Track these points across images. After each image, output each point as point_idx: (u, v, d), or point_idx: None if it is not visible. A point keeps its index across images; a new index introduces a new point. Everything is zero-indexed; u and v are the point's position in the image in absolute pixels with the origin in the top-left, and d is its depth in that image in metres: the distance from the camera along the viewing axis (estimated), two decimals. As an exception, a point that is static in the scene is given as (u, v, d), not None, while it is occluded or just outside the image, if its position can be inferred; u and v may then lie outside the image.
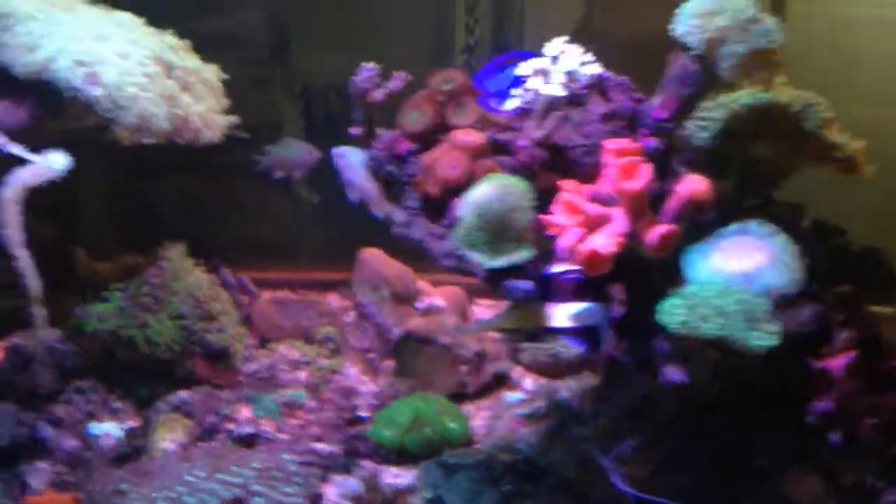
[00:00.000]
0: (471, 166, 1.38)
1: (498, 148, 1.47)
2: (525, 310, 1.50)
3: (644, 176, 1.35)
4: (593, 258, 1.35)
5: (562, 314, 1.47)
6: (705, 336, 1.35)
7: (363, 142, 1.50)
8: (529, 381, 2.18)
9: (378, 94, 1.44)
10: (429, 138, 1.46)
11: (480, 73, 1.60)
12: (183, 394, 1.94)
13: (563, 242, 1.39)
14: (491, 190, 1.32)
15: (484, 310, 2.48)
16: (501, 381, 2.16)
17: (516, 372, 2.20)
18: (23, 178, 1.39)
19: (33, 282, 1.53)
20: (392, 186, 1.48)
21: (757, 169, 1.61)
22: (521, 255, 1.34)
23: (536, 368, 2.18)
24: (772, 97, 1.56)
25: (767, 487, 1.49)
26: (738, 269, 1.46)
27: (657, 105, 1.51)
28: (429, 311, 2.12)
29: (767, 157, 1.60)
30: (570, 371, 2.15)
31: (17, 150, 1.39)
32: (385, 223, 1.48)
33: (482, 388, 2.12)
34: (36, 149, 1.65)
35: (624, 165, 1.36)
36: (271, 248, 2.61)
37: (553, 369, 2.15)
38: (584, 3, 2.49)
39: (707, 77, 1.48)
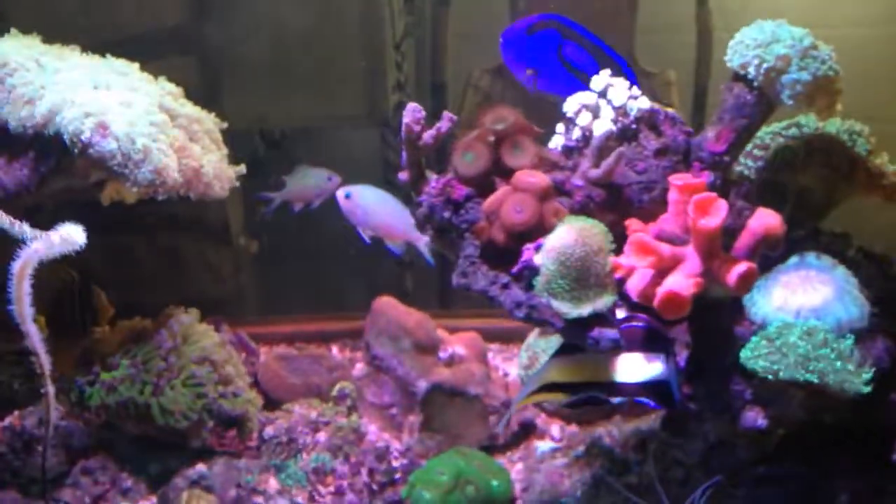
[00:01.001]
0: (538, 209, 1.29)
1: (554, 188, 1.39)
2: (581, 363, 1.39)
3: (720, 212, 1.28)
4: (673, 300, 1.27)
5: (626, 367, 1.36)
6: (795, 380, 1.29)
7: (413, 187, 1.40)
8: (556, 428, 2.09)
9: (428, 137, 1.35)
10: (484, 182, 1.38)
11: (507, 41, 1.53)
12: (200, 466, 1.78)
13: (635, 285, 1.32)
14: (571, 234, 1.23)
15: (496, 355, 2.40)
16: (529, 430, 2.06)
17: (541, 419, 2.11)
18: (37, 250, 1.25)
19: (44, 358, 1.38)
20: (446, 234, 1.39)
21: (806, 199, 1.57)
22: (605, 302, 1.26)
23: (562, 414, 2.10)
24: (821, 126, 1.53)
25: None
26: (807, 304, 1.42)
27: (711, 137, 1.45)
28: (453, 361, 2.01)
29: (817, 187, 1.57)
30: (598, 415, 2.08)
31: (26, 230, 1.26)
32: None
33: (512, 440, 2.02)
34: (35, 212, 1.52)
35: (699, 202, 1.29)
36: (214, 305, 2.49)
37: (581, 414, 2.07)
38: None
39: (763, 107, 1.43)
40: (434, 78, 2.58)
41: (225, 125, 1.89)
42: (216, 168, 1.71)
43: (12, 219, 1.24)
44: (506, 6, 2.46)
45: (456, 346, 2.06)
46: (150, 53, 2.18)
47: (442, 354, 2.02)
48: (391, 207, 1.79)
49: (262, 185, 2.19)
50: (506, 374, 2.28)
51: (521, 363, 2.16)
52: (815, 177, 1.55)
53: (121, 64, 1.78)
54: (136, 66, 1.78)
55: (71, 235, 1.24)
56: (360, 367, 2.25)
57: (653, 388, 1.34)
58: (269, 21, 2.45)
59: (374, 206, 1.80)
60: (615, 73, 1.48)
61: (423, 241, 1.78)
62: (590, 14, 2.47)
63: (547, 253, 1.24)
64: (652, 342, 1.37)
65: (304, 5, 2.47)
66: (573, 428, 2.06)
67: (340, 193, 1.79)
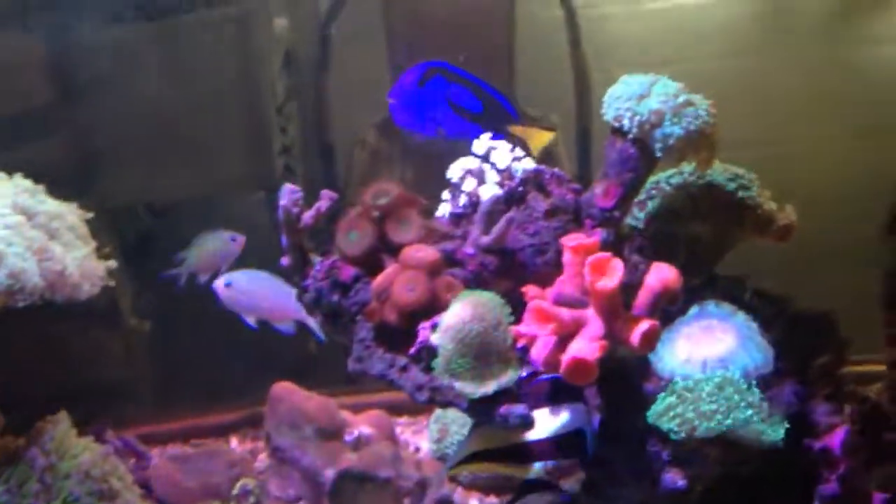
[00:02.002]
0: (430, 285, 1.23)
1: (445, 260, 1.33)
2: (499, 430, 1.32)
3: (617, 272, 1.24)
4: (579, 366, 1.21)
5: (538, 424, 1.30)
6: (711, 435, 1.25)
7: (296, 271, 1.32)
8: (475, 502, 2.00)
9: (308, 218, 1.27)
10: (372, 260, 1.30)
11: (397, 88, 1.48)
12: None
13: (539, 353, 1.26)
14: (467, 310, 1.17)
15: (405, 429, 2.31)
16: (446, 507, 1.97)
17: (458, 494, 2.02)
18: None
19: None
20: (337, 318, 1.30)
21: (699, 247, 1.56)
22: (509, 377, 1.19)
23: (479, 486, 2.02)
24: (702, 174, 1.53)
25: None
26: (712, 355, 1.40)
27: (600, 194, 1.42)
28: (360, 443, 1.91)
29: (707, 235, 1.56)
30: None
31: None
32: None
33: (429, 519, 1.92)
34: None
35: (594, 263, 1.25)
36: (105, 394, 2.34)
37: (496, 485, 1.99)
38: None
39: (647, 160, 1.41)
40: (321, 139, 2.53)
41: (90, 215, 1.77)
42: (82, 267, 1.59)
43: None
44: (384, 62, 2.43)
45: (362, 426, 1.96)
46: (18, 137, 2.08)
47: (347, 438, 1.92)
48: (274, 288, 1.72)
49: (152, 260, 2.08)
50: (417, 449, 2.18)
51: (432, 436, 2.07)
52: (704, 224, 1.54)
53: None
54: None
55: None
56: (262, 459, 2.12)
57: (567, 439, 1.29)
58: (144, 94, 2.36)
59: (256, 290, 1.72)
60: (498, 111, 1.45)
61: (311, 319, 1.72)
62: (466, 60, 2.47)
63: (444, 332, 1.17)
64: (559, 394, 1.32)
65: (180, 75, 2.40)
66: (492, 499, 1.98)
67: (220, 283, 1.71)
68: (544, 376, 1.30)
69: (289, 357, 2.33)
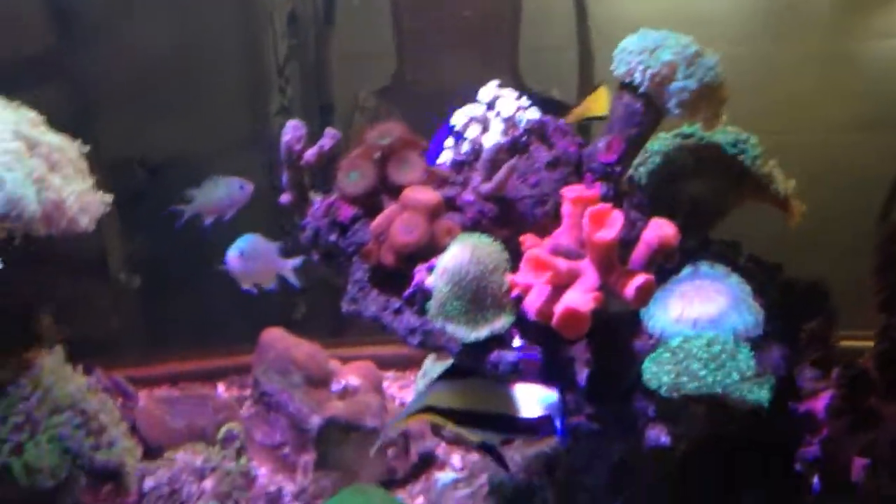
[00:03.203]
0: (429, 228, 1.22)
1: (444, 205, 1.33)
2: (467, 390, 1.33)
3: (616, 224, 1.24)
4: (572, 317, 1.22)
5: (514, 399, 1.31)
6: (698, 394, 1.26)
7: (296, 210, 1.31)
8: (457, 458, 2.02)
9: (310, 156, 1.26)
10: (372, 201, 1.30)
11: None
12: (73, 528, 1.62)
13: (533, 303, 1.26)
14: (465, 253, 1.16)
15: (391, 383, 2.31)
16: (429, 461, 1.98)
17: (441, 448, 2.03)
18: None
19: None
20: (334, 258, 1.30)
21: (697, 208, 1.56)
22: (503, 324, 1.19)
23: (461, 443, 2.03)
24: (707, 135, 1.53)
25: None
26: (703, 315, 1.40)
27: (602, 148, 1.42)
28: (346, 393, 1.91)
29: (706, 196, 1.56)
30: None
31: None
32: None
33: (411, 472, 1.94)
34: None
35: (593, 214, 1.25)
36: (93, 346, 2.33)
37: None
38: (397, 56, 2.47)
39: (652, 116, 1.41)
40: (321, 100, 2.52)
41: (87, 148, 1.75)
42: (81, 200, 1.57)
43: None
44: (389, 26, 2.42)
45: (349, 377, 1.96)
46: (14, 83, 2.05)
47: (335, 387, 1.92)
48: (269, 252, 1.72)
49: (142, 216, 2.06)
50: (402, 404, 2.19)
51: (419, 391, 2.08)
52: (704, 186, 1.54)
53: (-29, 90, 1.62)
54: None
55: None
56: (248, 406, 2.12)
57: (539, 423, 1.30)
58: (145, 46, 2.34)
59: (259, 258, 1.71)
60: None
61: (288, 266, 1.74)
62: (472, 34, 2.46)
63: (440, 274, 1.17)
64: (545, 373, 1.33)
65: (182, 30, 2.37)
66: (474, 456, 1.99)
67: (234, 253, 1.69)
68: (533, 354, 1.29)
69: (276, 308, 2.32)
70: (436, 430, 2.04)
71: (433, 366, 2.06)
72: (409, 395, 2.22)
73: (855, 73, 2.42)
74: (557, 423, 1.31)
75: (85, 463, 1.64)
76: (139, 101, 2.36)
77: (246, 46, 2.52)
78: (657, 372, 1.28)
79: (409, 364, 2.34)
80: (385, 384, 2.17)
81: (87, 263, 2.34)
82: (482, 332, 1.18)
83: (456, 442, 2.04)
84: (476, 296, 1.17)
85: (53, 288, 2.17)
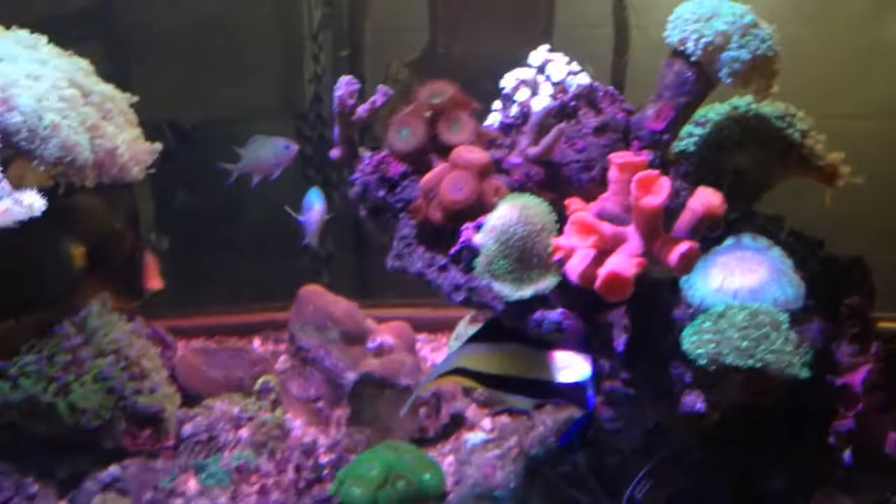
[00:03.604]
0: (478, 187, 1.24)
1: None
2: (497, 354, 1.34)
3: (663, 190, 1.25)
4: (616, 281, 1.23)
5: (545, 365, 1.32)
6: (738, 364, 1.27)
7: (346, 165, 1.33)
8: (487, 420, 2.04)
9: (362, 111, 1.28)
10: (420, 158, 1.31)
11: None
12: (113, 469, 1.67)
13: (576, 266, 1.28)
14: (513, 212, 1.18)
15: (423, 345, 2.34)
16: (459, 422, 2.01)
17: (471, 410, 2.06)
18: None
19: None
20: (381, 213, 1.32)
21: (741, 180, 1.56)
22: (548, 284, 1.21)
23: (492, 406, 2.05)
24: (755, 107, 1.53)
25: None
26: (744, 286, 1.40)
27: (651, 115, 1.42)
28: (382, 351, 1.94)
29: (751, 169, 1.56)
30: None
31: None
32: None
33: (442, 431, 1.96)
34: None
35: (641, 180, 1.25)
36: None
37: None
38: (430, 26, 2.47)
39: (703, 85, 1.41)
40: (353, 69, 2.51)
41: (135, 99, 1.78)
42: (132, 149, 1.60)
43: None
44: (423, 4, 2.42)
45: (385, 335, 1.99)
46: (57, 39, 2.07)
47: (370, 344, 1.95)
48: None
49: (171, 179, 2.09)
50: (434, 365, 2.21)
51: (450, 353, 2.10)
52: (750, 158, 1.54)
53: (27, 36, 1.65)
54: (45, 38, 1.66)
55: (32, 202, 1.10)
56: (283, 361, 2.16)
57: (570, 391, 1.31)
58: (184, 9, 2.36)
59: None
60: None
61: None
62: (507, 10, 2.45)
63: (488, 232, 1.19)
64: (583, 338, 1.34)
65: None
66: (504, 418, 2.02)
67: (315, 206, 1.70)
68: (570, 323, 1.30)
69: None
70: (466, 392, 2.07)
71: (466, 328, 2.08)
72: (441, 357, 2.25)
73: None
74: (589, 392, 1.33)
75: (128, 405, 1.68)
76: (174, 63, 2.39)
77: (281, 12, 2.52)
78: (697, 340, 1.29)
79: (440, 327, 2.36)
80: (416, 346, 2.20)
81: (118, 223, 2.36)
82: (527, 292, 1.20)
83: (486, 404, 2.07)
84: (522, 255, 1.19)
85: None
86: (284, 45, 2.53)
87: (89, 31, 2.37)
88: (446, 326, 2.31)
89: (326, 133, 2.48)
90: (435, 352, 2.30)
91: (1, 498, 1.60)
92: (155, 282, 1.67)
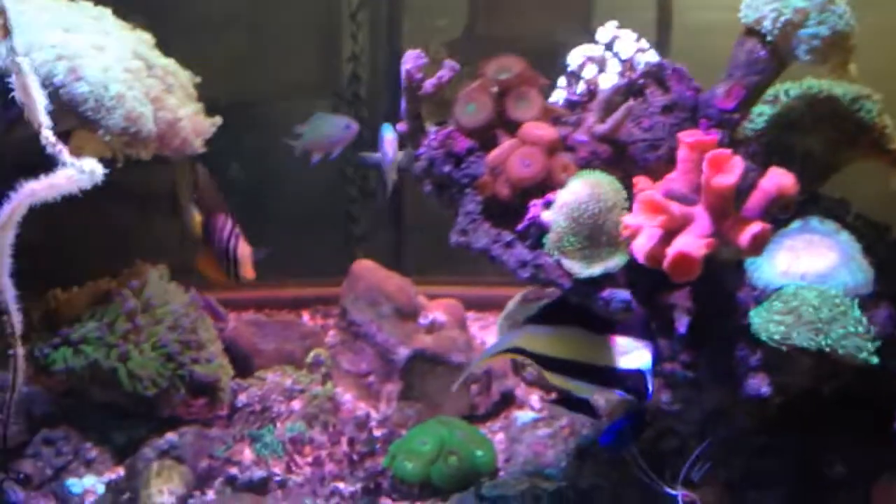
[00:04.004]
0: (546, 163, 1.22)
1: (558, 143, 1.33)
2: (556, 337, 1.33)
3: (736, 170, 1.23)
4: (684, 262, 1.21)
5: (605, 350, 1.30)
6: (808, 346, 1.25)
7: (412, 139, 1.32)
8: (536, 399, 2.04)
9: (429, 86, 1.27)
10: (486, 134, 1.30)
11: None
12: (170, 436, 1.69)
13: (643, 245, 1.26)
14: (584, 189, 1.17)
15: (472, 323, 2.34)
16: (508, 400, 2.01)
17: (520, 389, 2.06)
18: (34, 191, 1.12)
19: (15, 318, 1.27)
20: (446, 189, 1.31)
21: (810, 162, 1.53)
22: (617, 262, 1.20)
23: (543, 384, 2.05)
24: (827, 88, 1.49)
25: (853, 499, 1.40)
26: (812, 269, 1.38)
27: (721, 94, 1.39)
28: (433, 328, 1.95)
29: (821, 150, 1.53)
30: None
31: (61, 150, 1.12)
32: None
33: (492, 409, 1.97)
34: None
35: (713, 158, 1.23)
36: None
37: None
38: (468, 8, 2.44)
39: (776, 64, 1.38)
40: (391, 48, 2.50)
41: (198, 80, 1.78)
42: (194, 122, 1.61)
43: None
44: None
45: (436, 312, 1.99)
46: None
47: (422, 321, 1.96)
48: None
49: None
50: (484, 343, 2.22)
51: (501, 332, 2.10)
52: (820, 139, 1.51)
53: (92, 7, 1.66)
54: (110, 10, 1.66)
55: (93, 168, 1.11)
56: (333, 335, 2.17)
57: (630, 378, 1.29)
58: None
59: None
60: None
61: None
62: None
63: (559, 209, 1.17)
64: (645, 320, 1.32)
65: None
66: (553, 397, 2.01)
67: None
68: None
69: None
70: (517, 371, 2.07)
71: (517, 307, 2.07)
72: (489, 336, 2.25)
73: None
74: (649, 381, 1.31)
75: (185, 374, 1.70)
76: (212, 41, 2.38)
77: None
78: (767, 321, 1.27)
79: (488, 305, 2.36)
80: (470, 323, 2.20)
81: (155, 198, 2.38)
82: (596, 270, 1.19)
83: (536, 383, 2.06)
84: (593, 232, 1.18)
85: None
86: (324, 23, 2.52)
87: (130, 8, 2.38)
88: (494, 305, 2.31)
89: (363, 112, 2.47)
90: (483, 330, 2.30)
91: (60, 462, 1.63)
92: (249, 271, 1.69)
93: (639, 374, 1.31)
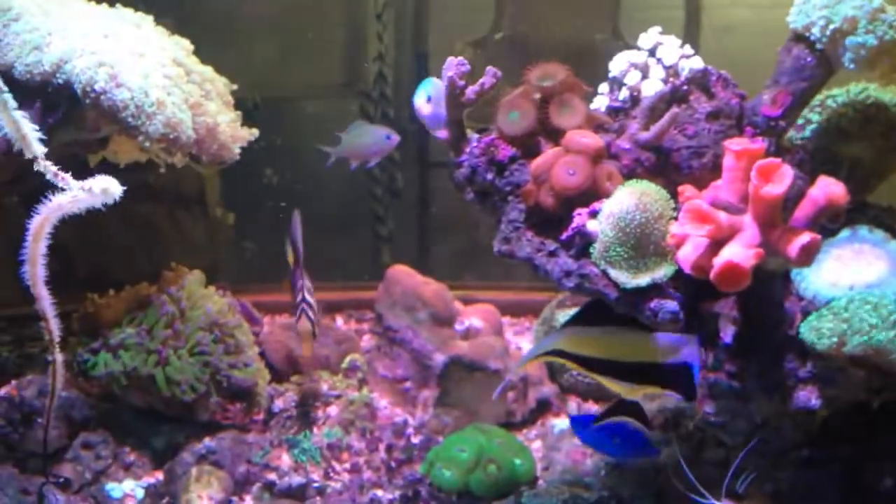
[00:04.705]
0: (591, 172, 1.21)
1: (601, 151, 1.31)
2: (597, 337, 1.31)
3: (785, 179, 1.20)
4: (732, 272, 1.19)
5: (647, 347, 1.28)
6: (861, 355, 1.22)
7: (453, 147, 1.31)
8: (573, 405, 2.02)
9: (471, 93, 1.26)
10: (529, 142, 1.29)
11: None
12: (208, 441, 1.69)
13: (689, 255, 1.24)
14: (631, 199, 1.15)
15: (507, 328, 2.32)
16: (545, 407, 1.99)
17: (556, 396, 2.04)
18: (61, 206, 1.14)
19: (53, 324, 1.28)
20: (488, 197, 1.30)
21: (856, 170, 1.50)
22: (665, 272, 1.18)
23: (579, 391, 2.03)
24: (876, 94, 1.46)
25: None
26: (861, 280, 1.35)
27: (767, 101, 1.37)
28: (469, 334, 1.93)
29: (867, 158, 1.50)
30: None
31: (62, 178, 1.14)
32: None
33: (529, 416, 1.95)
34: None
35: (762, 167, 1.21)
36: None
37: (596, 392, 2.00)
38: (495, 8, 2.42)
39: (823, 71, 1.35)
40: (417, 48, 2.50)
41: (235, 87, 1.78)
42: (231, 129, 1.61)
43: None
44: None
45: (473, 318, 1.98)
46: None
47: (458, 327, 1.94)
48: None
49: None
50: (519, 349, 2.20)
51: (537, 337, 2.09)
52: (867, 147, 1.48)
53: (132, 14, 1.67)
54: (150, 18, 1.67)
55: (109, 187, 1.12)
56: (367, 340, 2.17)
57: (676, 372, 1.28)
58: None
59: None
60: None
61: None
62: None
63: (605, 218, 1.16)
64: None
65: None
66: (591, 405, 2.00)
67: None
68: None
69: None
70: (553, 377, 2.05)
71: (554, 313, 2.06)
72: (524, 341, 2.23)
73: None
74: (696, 372, 1.29)
75: (222, 379, 1.70)
76: (240, 41, 2.39)
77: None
78: (819, 329, 1.24)
79: (524, 311, 2.34)
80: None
81: (185, 199, 2.39)
82: (643, 280, 1.17)
83: (572, 389, 2.04)
84: (640, 242, 1.16)
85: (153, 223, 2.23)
86: (349, 23, 2.52)
87: (160, 7, 2.39)
88: (529, 310, 2.29)
89: (389, 111, 2.46)
90: (518, 335, 2.28)
91: (99, 465, 1.64)
92: (306, 348, 1.71)
93: (686, 367, 1.29)
